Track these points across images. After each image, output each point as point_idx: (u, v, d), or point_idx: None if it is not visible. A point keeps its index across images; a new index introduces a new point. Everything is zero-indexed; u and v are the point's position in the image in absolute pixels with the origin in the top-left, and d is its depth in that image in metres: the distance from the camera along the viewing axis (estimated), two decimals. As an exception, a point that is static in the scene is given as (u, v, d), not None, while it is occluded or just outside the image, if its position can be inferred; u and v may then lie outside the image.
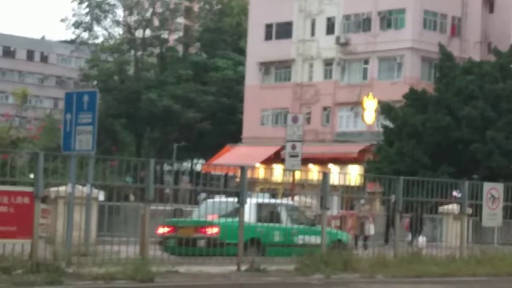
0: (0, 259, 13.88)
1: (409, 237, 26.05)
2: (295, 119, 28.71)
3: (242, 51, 69.64)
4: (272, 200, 20.68)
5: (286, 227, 19.91)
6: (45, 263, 13.96)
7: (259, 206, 20.05)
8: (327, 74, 60.98)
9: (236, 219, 17.33)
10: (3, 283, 12.77)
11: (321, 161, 54.90)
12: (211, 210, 19.24)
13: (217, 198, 19.60)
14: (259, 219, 19.80)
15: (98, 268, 14.29)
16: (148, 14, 76.26)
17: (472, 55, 53.23)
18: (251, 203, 18.52)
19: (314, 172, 39.25)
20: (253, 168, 41.25)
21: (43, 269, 13.70)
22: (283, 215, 20.32)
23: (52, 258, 14.33)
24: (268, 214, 19.72)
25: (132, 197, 17.04)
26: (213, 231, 18.31)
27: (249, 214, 18.70)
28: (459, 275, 17.85)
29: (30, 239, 14.31)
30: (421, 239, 25.33)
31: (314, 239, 18.71)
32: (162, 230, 18.83)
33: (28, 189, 14.56)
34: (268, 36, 63.91)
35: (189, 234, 18.18)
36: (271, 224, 19.58)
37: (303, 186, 37.33)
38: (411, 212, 22.27)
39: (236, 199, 17.44)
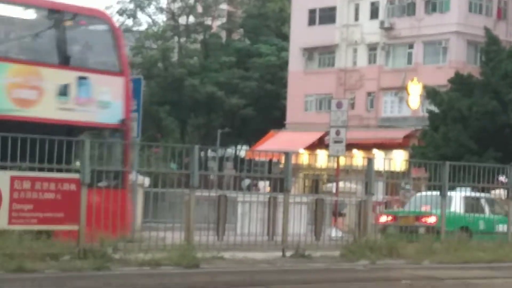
0: (48, 245, 14.02)
1: None
2: (339, 105, 28.51)
3: (285, 37, 69.42)
4: (474, 194, 22.22)
5: (488, 216, 22.27)
6: (92, 249, 14.08)
7: (466, 199, 22.09)
8: (371, 59, 60.57)
9: (449, 210, 20.17)
10: (51, 269, 12.91)
11: (366, 147, 54.56)
12: (424, 202, 21.12)
13: (425, 192, 21.90)
14: (466, 209, 21.79)
15: (144, 254, 14.36)
16: (191, 1, 76.33)
17: (518, 39, 52.53)
18: (460, 196, 21.24)
19: (358, 158, 39.03)
20: (297, 154, 41.18)
21: (90, 255, 13.82)
22: (485, 206, 22.52)
23: (99, 244, 14.44)
24: (473, 205, 21.80)
25: None
26: (431, 220, 20.69)
27: (459, 206, 21.27)
28: (506, 261, 17.65)
29: (77, 225, 14.44)
30: None
31: None
32: (383, 219, 20.87)
33: (75, 176, 14.69)
34: (311, 22, 63.60)
35: (409, 222, 20.40)
36: (477, 214, 21.64)
37: (348, 172, 37.14)
38: None
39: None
